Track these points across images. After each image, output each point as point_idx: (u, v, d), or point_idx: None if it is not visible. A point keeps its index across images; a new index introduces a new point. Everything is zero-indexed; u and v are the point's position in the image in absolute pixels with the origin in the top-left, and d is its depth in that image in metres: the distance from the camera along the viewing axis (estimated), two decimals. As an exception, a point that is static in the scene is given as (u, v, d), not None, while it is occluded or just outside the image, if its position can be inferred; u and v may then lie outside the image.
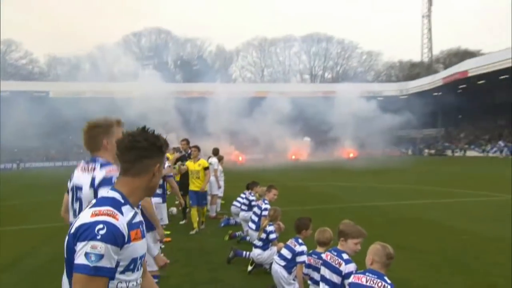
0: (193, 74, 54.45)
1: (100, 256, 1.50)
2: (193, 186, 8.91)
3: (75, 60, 62.97)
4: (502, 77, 43.42)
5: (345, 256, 3.48)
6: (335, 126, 49.49)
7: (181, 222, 9.79)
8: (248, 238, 7.49)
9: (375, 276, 2.95)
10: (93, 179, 2.51)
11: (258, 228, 6.36)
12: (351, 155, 47.94)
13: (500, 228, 8.18)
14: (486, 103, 55.72)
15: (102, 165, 2.57)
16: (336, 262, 3.45)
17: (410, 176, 21.56)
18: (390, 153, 54.36)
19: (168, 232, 7.65)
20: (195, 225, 8.62)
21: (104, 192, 1.76)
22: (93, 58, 60.49)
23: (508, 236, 7.46)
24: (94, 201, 1.72)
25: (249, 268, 5.82)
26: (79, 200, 2.56)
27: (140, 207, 2.54)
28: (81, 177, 2.59)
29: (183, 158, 9.92)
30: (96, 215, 1.57)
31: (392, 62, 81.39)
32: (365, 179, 20.13)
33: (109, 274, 1.54)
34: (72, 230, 1.58)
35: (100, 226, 1.53)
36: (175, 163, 9.16)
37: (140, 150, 1.73)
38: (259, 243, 5.67)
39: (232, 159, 38.87)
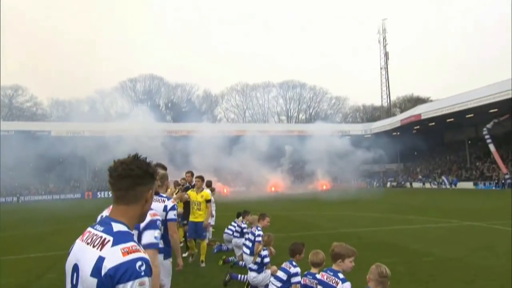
0: (182, 115, 54.57)
1: None
2: (193, 217, 7.93)
3: (76, 103, 62.49)
4: (449, 120, 45.38)
5: (341, 275, 3.51)
6: (310, 161, 50.05)
7: (184, 255, 9.36)
8: (241, 263, 7.38)
9: None
10: (165, 206, 2.84)
11: (252, 252, 6.31)
12: (324, 187, 48.23)
13: (456, 250, 8.39)
14: (437, 141, 57.83)
15: (168, 198, 2.96)
16: (334, 281, 3.45)
17: (378, 205, 21.81)
18: (358, 185, 55.02)
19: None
20: (194, 250, 8.09)
21: (116, 226, 1.58)
22: (93, 101, 60.32)
23: (462, 256, 7.71)
24: (107, 237, 1.52)
25: (245, 290, 5.74)
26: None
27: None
28: None
29: (186, 190, 8.94)
30: (128, 253, 1.45)
31: (357, 106, 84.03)
32: (339, 208, 20.25)
33: None
34: (104, 271, 1.42)
35: (139, 263, 1.44)
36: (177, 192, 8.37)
37: (134, 178, 1.62)
38: (254, 267, 5.62)
39: (217, 191, 38.45)
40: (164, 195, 3.96)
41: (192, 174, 9.61)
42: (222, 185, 42.95)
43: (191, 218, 7.97)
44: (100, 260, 1.44)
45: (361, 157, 47.70)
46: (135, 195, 1.64)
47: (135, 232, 2.54)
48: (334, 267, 3.62)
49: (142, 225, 2.59)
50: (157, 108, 71.09)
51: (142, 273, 1.42)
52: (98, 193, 50.80)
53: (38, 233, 14.14)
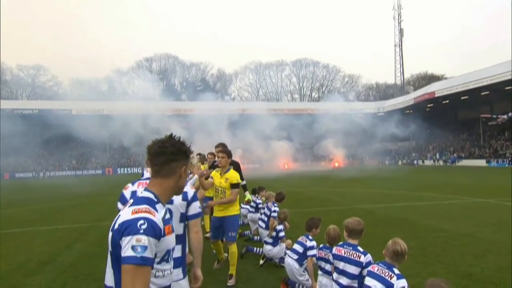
0: (197, 94, 54.56)
1: (145, 248, 1.50)
2: (217, 209, 5.40)
3: (95, 82, 63.01)
4: (463, 97, 44.14)
5: (360, 248, 3.53)
6: (322, 140, 49.83)
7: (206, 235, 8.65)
8: (256, 238, 7.52)
9: (385, 267, 3.05)
10: (184, 193, 2.69)
11: (267, 227, 6.44)
12: (337, 164, 48.09)
13: (467, 226, 8.36)
14: (451, 119, 56.51)
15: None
16: (355, 255, 3.47)
17: (390, 182, 21.72)
18: (370, 163, 54.71)
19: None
20: (221, 257, 5.75)
21: (145, 193, 1.72)
22: (111, 81, 60.74)
23: (473, 232, 7.67)
24: (131, 200, 1.71)
25: (261, 262, 5.88)
26: (168, 210, 2.63)
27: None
28: None
29: (216, 167, 5.97)
30: (136, 212, 1.58)
31: (370, 84, 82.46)
32: (351, 185, 20.25)
33: (152, 263, 1.54)
34: (116, 227, 1.58)
35: (141, 221, 1.54)
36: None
37: (168, 154, 1.76)
38: (270, 240, 5.74)
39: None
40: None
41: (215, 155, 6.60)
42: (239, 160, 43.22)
43: (215, 212, 5.49)
44: (117, 218, 1.63)
45: (372, 135, 47.16)
46: (169, 170, 1.78)
47: (184, 202, 2.69)
48: (351, 241, 3.63)
49: (190, 196, 2.74)
50: (173, 87, 71.30)
51: (141, 231, 1.52)
52: (118, 169, 51.99)
53: (64, 206, 14.67)
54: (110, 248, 1.60)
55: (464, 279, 4.98)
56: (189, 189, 2.79)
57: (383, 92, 79.41)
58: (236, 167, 5.93)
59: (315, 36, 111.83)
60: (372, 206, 12.07)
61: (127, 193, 2.82)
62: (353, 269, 3.45)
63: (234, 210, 5.29)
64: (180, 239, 2.56)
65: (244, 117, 45.50)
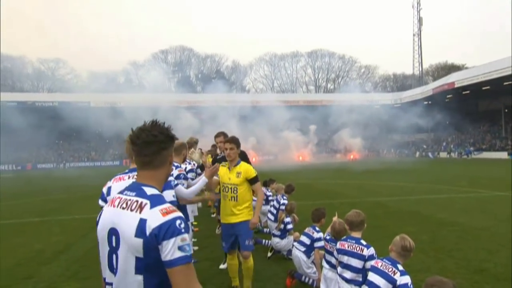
0: (212, 86, 54.71)
1: (189, 245, 1.51)
2: (226, 213, 4.29)
3: (112, 75, 63.97)
4: (484, 87, 42.72)
5: (363, 242, 3.51)
6: (337, 132, 49.32)
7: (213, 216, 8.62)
8: (265, 230, 7.54)
9: (389, 263, 3.01)
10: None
11: (276, 219, 6.44)
12: (352, 157, 47.57)
13: (483, 220, 8.14)
14: (471, 110, 54.82)
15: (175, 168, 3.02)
16: (358, 248, 3.45)
17: (405, 175, 21.35)
18: (386, 155, 53.90)
19: (196, 223, 7.77)
20: (235, 283, 4.56)
21: (149, 190, 1.63)
22: (127, 73, 61.55)
23: (489, 226, 7.48)
24: (143, 200, 1.57)
25: (269, 254, 5.90)
26: None
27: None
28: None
29: (221, 161, 4.91)
30: (167, 213, 1.51)
31: (387, 75, 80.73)
32: (365, 178, 20.01)
33: None
34: (149, 231, 1.48)
35: (179, 221, 1.50)
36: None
37: (158, 143, 1.65)
38: (278, 233, 5.74)
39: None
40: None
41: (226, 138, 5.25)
42: (253, 153, 43.29)
43: (224, 217, 4.35)
44: (143, 222, 1.50)
45: (389, 126, 46.33)
46: (161, 159, 1.68)
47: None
48: (354, 235, 3.59)
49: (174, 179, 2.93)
50: (188, 79, 71.65)
51: (182, 230, 1.49)
52: (135, 160, 52.90)
53: (82, 196, 15.05)
54: (140, 255, 1.50)
55: (476, 275, 4.87)
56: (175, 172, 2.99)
57: (400, 83, 77.69)
58: (244, 157, 4.94)
59: (331, 26, 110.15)
60: (386, 199, 11.91)
61: (105, 190, 2.88)
62: (356, 263, 3.42)
63: (248, 214, 4.25)
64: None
65: (258, 109, 45.38)
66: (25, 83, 63.45)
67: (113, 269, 1.60)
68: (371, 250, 3.41)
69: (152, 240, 1.47)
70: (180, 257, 1.46)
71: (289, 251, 5.54)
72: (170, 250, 1.46)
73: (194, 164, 6.25)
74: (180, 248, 1.46)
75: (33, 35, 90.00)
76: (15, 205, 13.17)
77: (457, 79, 44.63)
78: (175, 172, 3.85)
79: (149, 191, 1.62)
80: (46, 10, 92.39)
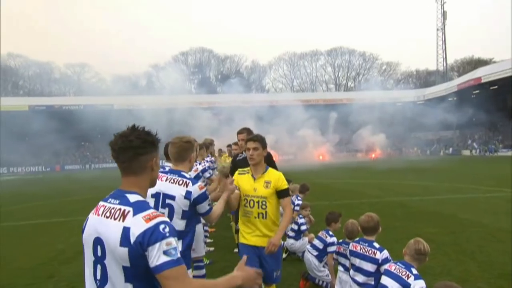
0: (231, 87, 55.05)
1: (176, 249, 1.47)
2: (250, 232, 3.29)
3: (134, 78, 65.46)
4: (514, 82, 40.94)
5: (376, 245, 3.41)
6: (358, 130, 48.53)
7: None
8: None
9: (403, 266, 2.92)
10: (188, 193, 2.64)
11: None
12: (373, 155, 46.69)
13: (508, 221, 7.75)
14: (499, 106, 52.59)
15: (193, 182, 2.71)
16: (370, 252, 3.36)
17: (428, 174, 20.72)
18: (409, 153, 52.59)
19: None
20: None
21: (132, 197, 1.59)
22: (149, 76, 62.82)
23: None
24: (126, 208, 1.54)
25: (284, 255, 5.83)
26: (169, 206, 2.63)
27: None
28: (171, 188, 2.66)
29: (241, 164, 4.05)
30: (151, 219, 1.48)
31: (410, 71, 78.71)
32: (386, 177, 19.56)
33: (183, 262, 1.50)
34: (133, 239, 1.45)
35: (162, 226, 1.47)
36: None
37: (134, 148, 1.61)
38: (292, 234, 5.67)
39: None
40: (187, 175, 2.79)
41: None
42: (273, 152, 43.18)
43: (246, 237, 3.31)
44: (126, 230, 1.48)
45: (412, 124, 45.16)
46: (139, 165, 1.64)
47: (186, 201, 2.65)
48: (367, 237, 3.49)
49: (194, 196, 2.66)
50: (208, 80, 72.31)
51: (167, 234, 1.46)
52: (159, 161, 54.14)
53: (104, 197, 15.39)
54: (127, 263, 1.47)
55: (499, 279, 4.64)
56: (195, 189, 2.67)
57: (423, 79, 75.58)
58: (269, 161, 3.87)
59: (351, 23, 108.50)
60: (406, 198, 11.59)
61: None
62: (369, 266, 3.33)
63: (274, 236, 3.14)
64: (181, 235, 2.61)
65: (277, 108, 45.27)
66: (53, 88, 65.79)
67: (96, 281, 1.56)
68: (385, 254, 3.30)
69: (138, 248, 1.45)
70: (166, 261, 1.43)
71: (304, 253, 5.46)
72: (155, 255, 1.43)
73: (210, 163, 6.19)
74: (165, 253, 1.43)
75: (59, 41, 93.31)
76: (42, 206, 13.66)
77: (484, 74, 43.02)
78: (192, 174, 3.77)
79: (132, 198, 1.59)
80: (72, 16, 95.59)
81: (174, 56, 74.23)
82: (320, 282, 4.49)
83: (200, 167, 5.08)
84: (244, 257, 1.80)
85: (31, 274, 5.54)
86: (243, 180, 3.30)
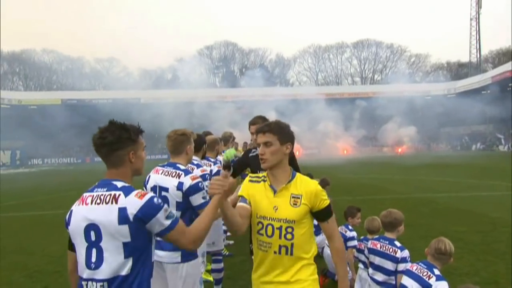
0: (255, 80, 54.99)
1: (172, 212, 1.75)
2: (263, 278, 2.03)
3: (160, 72, 66.61)
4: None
5: (397, 243, 3.29)
6: (385, 124, 47.35)
7: None
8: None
9: (425, 267, 2.80)
10: (180, 183, 2.68)
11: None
12: (400, 150, 45.44)
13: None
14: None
15: (186, 173, 2.73)
16: (391, 250, 3.25)
17: (459, 170, 19.93)
18: (437, 148, 50.78)
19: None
20: None
21: (119, 183, 1.73)
22: (174, 70, 63.76)
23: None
24: (116, 192, 1.68)
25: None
26: (164, 198, 2.69)
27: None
28: (165, 180, 2.74)
29: (250, 163, 3.86)
30: (142, 195, 1.67)
31: (440, 63, 75.56)
32: (414, 172, 18.97)
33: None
34: (132, 216, 1.63)
35: (155, 199, 1.69)
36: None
37: (108, 145, 1.72)
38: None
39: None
40: (182, 167, 2.78)
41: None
42: (297, 146, 42.82)
43: (263, 284, 2.05)
44: (122, 210, 1.63)
45: (441, 118, 43.49)
46: (116, 159, 1.76)
47: (178, 192, 2.69)
48: (388, 235, 3.39)
49: (185, 187, 2.66)
50: (232, 74, 72.50)
51: (161, 204, 1.68)
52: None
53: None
54: (126, 239, 1.63)
55: (531, 282, 4.39)
56: (187, 179, 2.67)
57: (455, 71, 72.40)
58: (291, 162, 2.67)
59: (378, 15, 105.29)
60: (434, 195, 11.19)
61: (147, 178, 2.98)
62: (389, 265, 3.23)
63: (314, 283, 2.07)
64: None
65: (300, 102, 44.81)
66: (84, 82, 68.01)
67: (90, 264, 1.66)
68: (405, 253, 3.19)
69: (138, 223, 1.63)
70: (170, 223, 1.68)
71: (324, 248, 5.37)
72: (162, 222, 1.66)
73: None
74: (167, 217, 1.67)
75: (89, 36, 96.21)
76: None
77: (521, 65, 40.74)
78: (197, 172, 3.32)
79: (119, 184, 1.73)
80: (99, 12, 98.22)
81: (199, 50, 74.87)
82: (340, 279, 4.40)
83: (215, 168, 4.44)
84: (224, 172, 1.74)
85: (59, 262, 5.76)
86: (256, 191, 2.10)
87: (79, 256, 1.71)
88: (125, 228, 1.62)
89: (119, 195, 1.67)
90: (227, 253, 5.82)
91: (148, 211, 1.63)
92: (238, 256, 5.73)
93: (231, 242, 6.42)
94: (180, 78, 56.12)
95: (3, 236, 7.76)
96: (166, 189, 2.70)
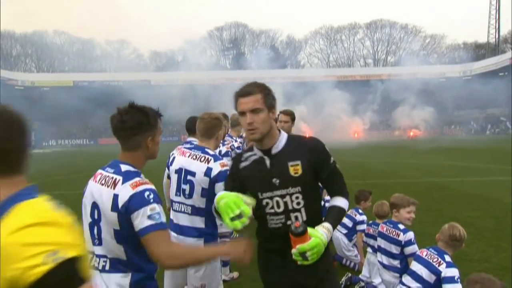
0: (266, 62, 54.33)
1: (159, 213, 1.56)
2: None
3: (170, 53, 66.32)
4: None
5: (401, 226, 3.27)
6: (396, 106, 46.59)
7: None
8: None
9: (436, 253, 2.75)
10: (208, 169, 2.52)
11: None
12: (412, 134, 44.79)
13: None
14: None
15: (215, 159, 2.59)
16: (394, 233, 3.25)
17: (473, 154, 19.56)
18: (451, 132, 49.89)
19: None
20: None
21: (125, 167, 1.71)
22: (184, 51, 63.40)
23: None
24: (117, 177, 1.66)
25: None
26: (190, 182, 2.56)
27: None
28: (192, 164, 2.59)
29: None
30: (136, 186, 1.60)
31: (456, 44, 73.28)
32: (426, 157, 18.69)
33: (167, 227, 1.61)
34: (121, 205, 1.58)
35: (147, 192, 1.59)
36: None
37: (128, 129, 1.70)
38: (321, 212, 5.57)
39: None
40: (211, 152, 2.65)
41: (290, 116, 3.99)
42: (307, 128, 42.45)
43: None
44: (115, 197, 1.62)
45: (455, 101, 42.49)
46: (134, 143, 1.74)
47: (206, 178, 2.54)
48: (393, 218, 3.38)
49: (214, 173, 2.53)
50: (243, 56, 71.73)
51: (151, 200, 1.57)
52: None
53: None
54: (116, 227, 1.61)
55: (544, 269, 4.31)
56: (216, 165, 2.53)
57: (471, 53, 70.13)
58: None
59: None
60: (446, 179, 11.04)
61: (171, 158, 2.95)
62: (391, 247, 3.24)
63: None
64: (201, 212, 2.55)
65: (311, 84, 44.22)
66: (94, 64, 68.23)
67: (94, 240, 1.71)
68: (409, 235, 3.17)
69: (125, 213, 1.58)
70: (150, 225, 1.52)
71: (332, 232, 5.37)
72: (140, 220, 1.54)
73: (240, 141, 6.07)
74: (149, 217, 1.53)
75: (99, 18, 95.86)
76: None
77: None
78: (222, 149, 3.59)
79: (124, 168, 1.71)
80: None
81: (209, 31, 74.02)
82: (348, 263, 4.41)
83: (235, 144, 4.87)
84: (247, 241, 1.63)
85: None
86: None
87: (84, 228, 1.73)
88: (114, 215, 1.60)
89: (119, 180, 1.66)
90: (237, 235, 5.85)
91: (133, 203, 1.56)
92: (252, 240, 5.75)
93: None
94: (190, 60, 55.81)
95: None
96: (193, 174, 2.56)
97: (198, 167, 2.56)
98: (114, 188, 1.64)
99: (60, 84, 53.19)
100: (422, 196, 8.40)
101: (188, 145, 3.01)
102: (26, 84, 53.62)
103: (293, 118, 3.60)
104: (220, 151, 3.71)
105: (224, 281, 4.20)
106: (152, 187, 1.65)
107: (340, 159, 7.17)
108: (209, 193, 2.51)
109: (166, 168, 2.82)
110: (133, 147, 1.74)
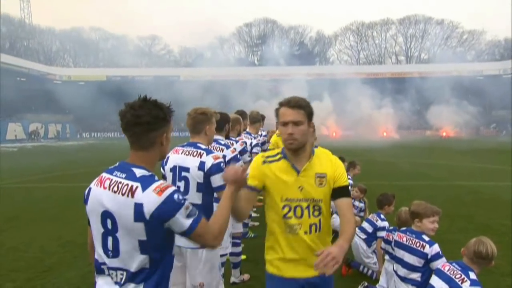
0: (295, 59, 53.69)
1: (193, 207, 1.55)
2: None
3: (200, 49, 67.05)
4: None
5: (425, 237, 2.98)
6: (429, 105, 44.78)
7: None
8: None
9: (459, 268, 2.47)
10: (201, 163, 2.56)
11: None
12: (444, 134, 42.89)
13: None
14: None
15: (208, 152, 2.61)
16: (418, 244, 2.95)
17: (510, 157, 18.38)
18: (487, 133, 47.34)
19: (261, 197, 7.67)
20: None
21: (139, 172, 1.55)
22: (214, 48, 63.93)
23: None
24: (133, 184, 1.50)
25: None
26: (185, 179, 2.60)
27: None
28: (186, 160, 2.62)
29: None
30: (162, 191, 1.48)
31: (497, 40, 69.19)
32: (457, 158, 17.78)
33: None
34: (149, 214, 1.46)
35: (176, 195, 1.51)
36: None
37: (143, 124, 1.54)
38: (336, 215, 5.34)
39: (324, 134, 37.83)
40: (202, 146, 2.70)
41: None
42: (333, 126, 41.59)
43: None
44: (139, 206, 1.46)
45: (496, 100, 40.19)
46: (148, 140, 1.59)
47: (200, 172, 2.56)
48: (414, 227, 3.10)
49: (207, 166, 2.56)
50: (271, 52, 71.39)
51: (182, 201, 1.50)
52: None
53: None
54: (142, 238, 1.49)
55: None
56: (209, 159, 2.56)
57: (513, 49, 66.13)
58: None
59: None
60: (479, 183, 10.39)
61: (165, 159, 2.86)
62: (413, 260, 2.96)
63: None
64: (198, 208, 2.44)
65: (340, 81, 43.23)
66: (127, 60, 70.21)
67: (107, 251, 1.56)
68: (435, 248, 2.88)
69: (155, 222, 1.47)
70: (193, 221, 1.51)
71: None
72: (182, 223, 1.49)
73: (259, 138, 6.00)
74: (188, 216, 1.50)
75: (132, 14, 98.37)
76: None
77: None
78: (227, 153, 3.35)
79: (139, 172, 1.55)
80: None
81: (238, 27, 74.13)
82: (365, 270, 4.16)
83: (249, 141, 4.89)
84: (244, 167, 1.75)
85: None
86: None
87: (95, 238, 1.61)
88: (140, 226, 1.47)
89: (136, 187, 1.49)
90: (252, 235, 5.74)
91: (166, 210, 1.46)
92: (263, 238, 5.61)
93: (256, 223, 6.33)
94: (219, 56, 56.22)
95: (46, 206, 8.24)
96: (187, 169, 2.59)
97: (192, 162, 2.59)
98: (132, 197, 1.48)
99: (94, 78, 55.09)
100: (452, 200, 7.97)
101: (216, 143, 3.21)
102: (64, 79, 56.00)
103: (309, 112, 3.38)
104: (235, 149, 3.65)
105: (235, 283, 4.09)
106: (174, 187, 1.55)
107: (367, 158, 6.91)
108: (204, 187, 2.57)
109: (161, 169, 2.75)
110: (147, 146, 1.59)
